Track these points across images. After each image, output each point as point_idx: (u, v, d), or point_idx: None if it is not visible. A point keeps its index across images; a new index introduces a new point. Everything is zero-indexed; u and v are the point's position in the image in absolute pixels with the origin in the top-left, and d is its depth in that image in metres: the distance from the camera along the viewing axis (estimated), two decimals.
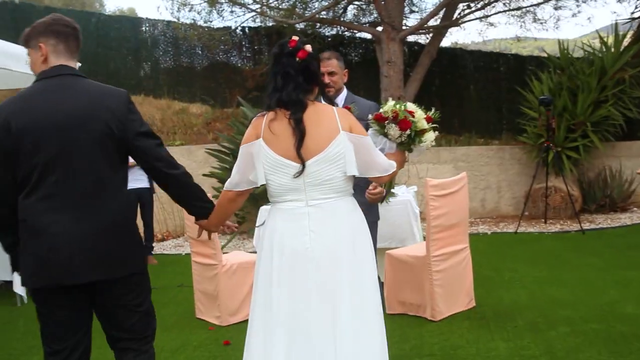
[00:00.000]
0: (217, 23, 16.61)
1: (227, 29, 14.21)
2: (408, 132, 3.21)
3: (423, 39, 14.04)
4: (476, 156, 11.63)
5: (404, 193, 6.67)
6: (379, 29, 12.30)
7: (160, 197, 10.93)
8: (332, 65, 4.16)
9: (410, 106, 3.31)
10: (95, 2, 28.86)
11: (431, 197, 5.11)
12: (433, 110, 3.40)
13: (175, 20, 13.18)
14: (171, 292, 6.96)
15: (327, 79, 4.07)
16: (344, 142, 2.78)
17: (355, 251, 2.84)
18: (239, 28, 14.44)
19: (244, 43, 14.69)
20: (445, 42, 15.69)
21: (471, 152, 11.71)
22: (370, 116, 3.30)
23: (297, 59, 2.84)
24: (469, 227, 10.47)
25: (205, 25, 13.57)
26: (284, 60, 2.87)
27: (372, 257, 2.95)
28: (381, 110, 3.28)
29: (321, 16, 12.88)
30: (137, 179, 8.88)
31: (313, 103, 2.86)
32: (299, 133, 2.75)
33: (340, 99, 4.22)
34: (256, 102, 11.26)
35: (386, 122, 3.22)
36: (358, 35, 14.37)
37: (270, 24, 13.79)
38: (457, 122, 13.21)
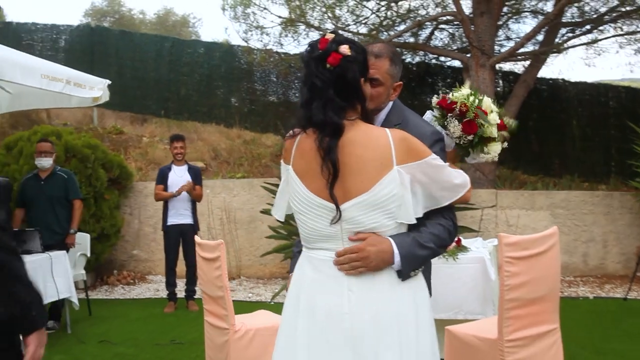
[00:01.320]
0: (291, 48, 15.67)
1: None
2: (472, 137, 2.66)
3: (519, 67, 12.56)
4: (578, 202, 9.94)
5: (478, 248, 5.26)
6: (469, 56, 10.92)
7: (216, 235, 9.97)
8: (377, 69, 2.53)
9: (487, 103, 2.71)
10: (190, 32, 28.90)
11: (506, 260, 3.70)
12: (512, 120, 2.83)
13: (245, 42, 12.29)
14: (200, 348, 5.81)
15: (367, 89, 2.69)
16: (396, 181, 2.17)
17: (414, 324, 2.24)
18: None
19: None
20: (545, 72, 14.01)
21: (572, 197, 10.04)
22: (434, 99, 2.73)
23: (328, 65, 2.18)
24: (566, 288, 8.94)
25: (281, 51, 12.66)
26: (311, 67, 2.22)
27: (434, 335, 2.34)
28: (449, 96, 2.71)
29: (404, 40, 11.64)
30: (180, 214, 7.89)
31: (356, 124, 2.22)
32: (329, 168, 2.16)
33: (380, 118, 2.67)
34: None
35: (449, 114, 2.67)
36: (447, 63, 13.05)
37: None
38: (556, 163, 11.71)
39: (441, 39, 12.81)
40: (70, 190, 7.22)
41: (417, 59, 13.03)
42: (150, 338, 6.54)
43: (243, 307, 4.96)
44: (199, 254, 4.79)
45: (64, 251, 6.81)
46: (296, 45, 13.33)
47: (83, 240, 7.77)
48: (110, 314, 7.76)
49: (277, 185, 9.26)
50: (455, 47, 12.69)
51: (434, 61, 13.09)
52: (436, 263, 4.92)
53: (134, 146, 13.33)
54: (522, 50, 11.08)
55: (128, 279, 9.87)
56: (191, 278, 7.95)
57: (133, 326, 7.13)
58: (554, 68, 46.95)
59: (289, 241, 8.28)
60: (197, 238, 4.96)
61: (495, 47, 11.41)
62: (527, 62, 11.68)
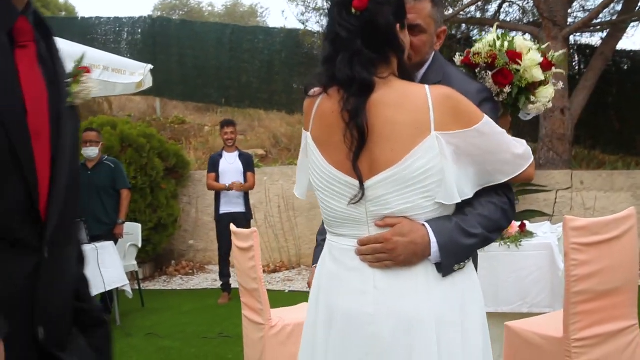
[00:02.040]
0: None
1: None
2: (508, 88, 2.13)
3: (596, 40, 11.68)
4: None
5: (546, 233, 4.70)
6: (540, 29, 10.18)
7: (274, 223, 9.65)
8: (418, 12, 2.08)
9: (520, 42, 2.18)
10: (258, 22, 28.82)
11: (573, 247, 3.17)
12: (557, 54, 2.27)
13: (303, 25, 11.90)
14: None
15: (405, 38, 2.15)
16: (434, 150, 1.75)
17: (459, 328, 1.82)
18: None
19: None
20: (625, 44, 13.02)
21: None
22: (457, 57, 2.28)
23: (353, 10, 1.79)
24: None
25: None
26: (334, 15, 1.84)
27: (486, 340, 1.93)
28: (473, 49, 2.22)
29: (470, 14, 10.99)
30: (232, 202, 7.60)
31: (389, 81, 1.81)
32: (356, 135, 1.77)
33: (418, 75, 2.21)
34: None
35: (477, 69, 2.17)
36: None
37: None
38: (638, 140, 10.67)
39: (510, 13, 12.06)
40: (118, 180, 7.00)
41: (484, 34, 12.30)
42: (199, 331, 6.28)
43: (301, 297, 4.62)
44: (234, 243, 4.44)
45: (112, 242, 6.63)
46: None
47: (134, 231, 7.58)
48: (163, 305, 7.57)
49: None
50: (526, 22, 11.92)
51: None
52: (497, 250, 4.43)
53: (195, 135, 13.21)
54: (598, 20, 10.25)
55: (187, 270, 9.70)
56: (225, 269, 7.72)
57: (184, 318, 6.89)
58: (636, 39, 44.34)
59: None
60: (232, 226, 4.61)
61: (570, 19, 10.62)
62: (605, 33, 10.82)
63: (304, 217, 9.77)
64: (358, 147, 1.76)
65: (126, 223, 7.47)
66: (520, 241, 4.35)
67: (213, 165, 7.68)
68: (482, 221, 1.86)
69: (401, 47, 1.85)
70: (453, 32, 11.17)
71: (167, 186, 9.43)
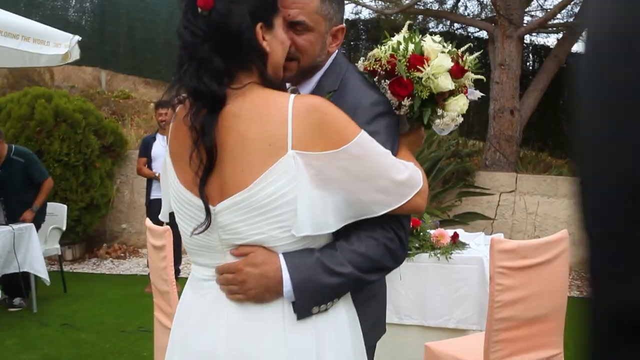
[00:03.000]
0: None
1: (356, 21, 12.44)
2: (408, 100, 1.81)
3: (552, 41, 11.60)
4: None
5: (479, 245, 4.50)
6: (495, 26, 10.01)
7: None
8: (302, 7, 1.75)
9: (429, 45, 1.84)
10: None
11: (499, 271, 2.95)
12: (472, 57, 1.93)
13: None
14: None
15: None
16: (290, 172, 1.49)
17: None
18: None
19: None
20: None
21: None
22: (360, 63, 1.93)
23: (199, 9, 1.52)
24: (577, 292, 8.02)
25: None
26: (182, 14, 1.58)
27: None
28: (373, 52, 1.91)
29: (428, 5, 10.76)
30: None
31: (247, 91, 1.56)
32: (204, 156, 1.53)
33: (312, 83, 1.88)
34: None
35: (375, 78, 1.87)
36: (476, 34, 12.12)
37: (369, 16, 11.89)
38: None
39: (469, 7, 11.88)
40: (34, 174, 6.50)
41: (441, 27, 12.11)
42: (118, 323, 5.94)
43: None
44: (148, 239, 4.12)
45: (32, 224, 6.23)
46: None
47: (59, 212, 7.17)
48: (85, 291, 7.19)
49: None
50: (483, 17, 11.76)
51: (459, 31, 12.17)
52: (426, 262, 4.20)
53: (139, 112, 12.72)
54: (555, 21, 10.14)
55: (119, 253, 9.30)
56: (178, 256, 7.32)
57: (104, 308, 6.54)
58: None
59: None
60: (147, 221, 4.28)
61: (527, 17, 10.49)
62: (560, 35, 10.73)
63: None
64: (205, 170, 1.53)
65: (51, 203, 7.08)
66: (451, 253, 4.14)
67: (145, 149, 7.27)
68: (355, 259, 1.61)
69: (260, 52, 1.59)
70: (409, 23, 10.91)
71: (102, 165, 9.03)
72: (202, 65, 1.51)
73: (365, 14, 12.37)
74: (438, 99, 1.82)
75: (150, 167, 7.20)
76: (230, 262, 1.58)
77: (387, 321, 4.52)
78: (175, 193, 1.65)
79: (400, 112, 1.82)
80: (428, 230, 4.40)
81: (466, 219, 8.11)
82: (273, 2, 1.64)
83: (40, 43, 5.33)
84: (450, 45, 1.89)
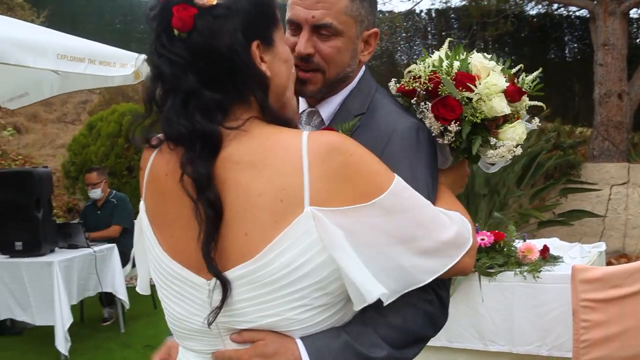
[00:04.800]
0: (397, 4, 14.46)
1: (410, 12, 11.98)
2: (456, 125, 1.46)
3: None
4: None
5: (575, 258, 3.97)
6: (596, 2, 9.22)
7: None
8: (327, 6, 1.46)
9: (479, 61, 1.52)
10: None
11: (584, 305, 2.50)
12: (530, 76, 1.60)
13: None
14: None
15: (305, 47, 1.48)
16: (310, 236, 1.16)
17: None
18: (424, 11, 12.15)
19: (429, 29, 12.35)
20: None
21: None
22: (392, 84, 1.60)
23: (175, 31, 1.21)
24: None
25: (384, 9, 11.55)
26: (153, 37, 1.26)
27: None
28: (409, 69, 1.58)
29: None
30: None
31: (248, 129, 1.23)
32: (208, 214, 1.18)
33: (334, 104, 1.57)
34: None
35: (413, 99, 1.52)
36: (575, 13, 11.27)
37: (460, 3, 11.33)
38: None
39: None
40: (114, 216, 6.83)
41: (539, 8, 11.35)
42: None
43: None
44: None
45: (113, 244, 6.26)
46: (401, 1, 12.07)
47: None
48: None
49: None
50: None
51: (559, 11, 11.36)
52: (512, 281, 3.75)
53: None
54: None
55: None
56: None
57: None
58: None
59: None
60: None
61: None
62: None
63: None
64: (209, 234, 1.18)
65: None
66: (540, 270, 3.66)
67: None
68: (390, 334, 1.30)
69: (259, 77, 1.25)
70: (503, 6, 10.27)
71: None
72: (189, 99, 1.21)
73: (455, 1, 11.82)
74: (490, 126, 1.47)
75: None
76: (232, 350, 1.26)
77: (470, 347, 4.11)
78: (157, 264, 1.32)
79: (443, 141, 1.47)
80: (514, 244, 3.93)
81: (571, 218, 7.44)
82: (270, 12, 1.31)
83: (107, 65, 5.28)
84: (503, 64, 1.53)
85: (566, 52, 11.63)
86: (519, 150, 1.54)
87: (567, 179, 7.85)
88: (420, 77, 1.53)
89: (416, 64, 1.57)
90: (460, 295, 3.79)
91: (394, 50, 12.58)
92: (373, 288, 1.18)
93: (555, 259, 3.86)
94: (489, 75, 1.49)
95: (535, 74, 1.62)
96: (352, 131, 1.47)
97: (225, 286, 1.19)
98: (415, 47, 12.59)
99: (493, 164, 1.62)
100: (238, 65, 1.22)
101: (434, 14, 12.35)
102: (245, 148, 1.21)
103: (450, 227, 1.28)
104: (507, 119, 1.53)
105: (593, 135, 8.90)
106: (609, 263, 7.54)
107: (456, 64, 1.53)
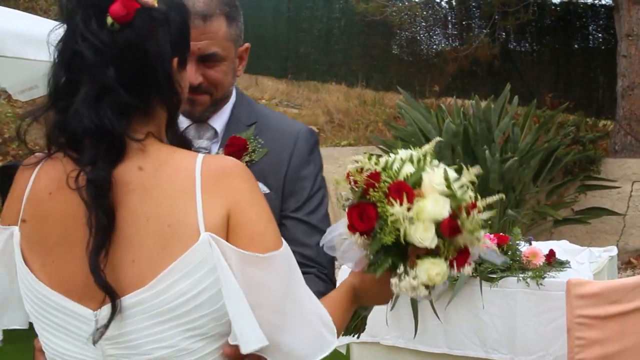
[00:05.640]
0: None
1: (429, 1, 11.76)
2: (362, 239, 1.30)
3: None
4: None
5: (582, 264, 3.79)
6: None
7: None
8: (212, 37, 1.62)
9: (433, 180, 1.30)
10: None
11: (579, 322, 2.34)
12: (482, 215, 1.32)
13: None
14: None
15: (195, 77, 1.61)
16: (206, 263, 1.11)
17: None
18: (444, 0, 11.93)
19: (449, 18, 12.10)
20: None
21: None
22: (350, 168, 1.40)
23: (109, 20, 1.12)
24: None
25: None
26: (76, 22, 1.14)
27: None
28: (360, 158, 1.40)
29: None
30: None
31: (144, 147, 1.16)
32: (102, 223, 1.09)
33: (224, 115, 1.74)
34: (461, 92, 8.89)
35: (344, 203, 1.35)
36: (600, 1, 10.97)
37: None
38: None
39: None
40: None
41: None
42: None
43: None
44: None
45: None
46: None
47: None
48: None
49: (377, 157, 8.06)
50: None
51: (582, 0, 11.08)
52: (514, 287, 3.61)
53: None
54: None
55: None
56: None
57: None
58: None
59: None
60: None
61: None
62: None
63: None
64: (100, 243, 1.10)
65: None
66: (544, 277, 3.49)
67: None
68: None
69: (176, 96, 1.23)
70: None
71: None
72: (103, 95, 1.12)
73: None
74: (411, 253, 1.28)
75: None
76: None
77: (471, 355, 3.97)
78: (33, 296, 1.20)
79: (367, 257, 1.34)
80: (519, 248, 3.78)
81: (590, 216, 7.22)
82: (189, 34, 1.30)
83: None
84: (472, 191, 1.32)
85: (590, 42, 11.29)
86: (424, 293, 1.31)
87: (587, 175, 7.61)
88: (364, 170, 1.36)
89: (389, 155, 1.38)
90: (461, 300, 3.66)
91: (413, 41, 12.34)
92: (253, 338, 1.12)
93: (562, 265, 3.70)
94: (431, 198, 1.27)
95: (486, 214, 1.36)
96: (254, 137, 1.66)
97: (115, 304, 1.10)
98: (435, 37, 12.34)
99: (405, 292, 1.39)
100: (159, 76, 1.17)
101: (454, 3, 12.12)
102: (136, 165, 1.15)
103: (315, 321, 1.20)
104: (433, 253, 1.29)
105: (615, 129, 8.64)
106: (628, 262, 7.32)
107: (408, 170, 1.33)
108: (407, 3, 11.48)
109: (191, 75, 1.53)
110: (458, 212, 1.26)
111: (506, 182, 6.50)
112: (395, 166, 1.32)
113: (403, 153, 1.38)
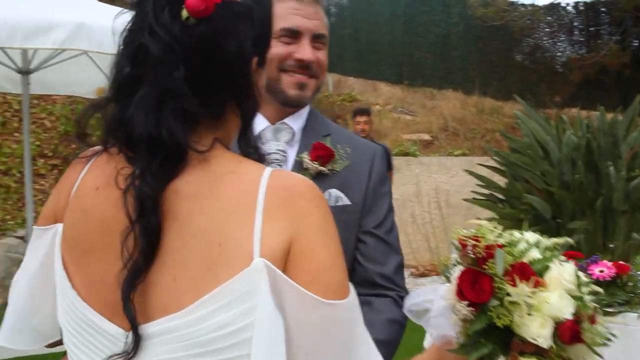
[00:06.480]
0: None
1: (554, 6, 11.18)
2: (466, 310, 1.09)
3: None
4: None
5: None
6: None
7: (423, 222, 8.69)
8: (321, 19, 1.60)
9: (562, 274, 1.09)
10: None
11: None
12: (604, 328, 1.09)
13: None
14: None
15: (312, 54, 1.57)
16: (255, 294, 0.90)
17: None
18: (570, 4, 11.29)
19: (575, 23, 11.45)
20: None
21: None
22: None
23: (184, 13, 0.95)
24: None
25: (526, 3, 10.86)
26: (145, 13, 0.98)
27: None
28: (481, 223, 1.20)
29: None
30: None
31: (208, 155, 0.98)
32: (141, 245, 0.92)
33: (298, 121, 1.65)
34: (586, 102, 8.33)
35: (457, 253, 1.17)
36: None
37: None
38: None
39: None
40: None
41: None
42: None
43: None
44: None
45: None
46: None
47: None
48: None
49: (492, 168, 7.42)
50: None
51: None
52: (635, 324, 3.24)
53: None
54: None
55: None
56: None
57: None
58: None
59: None
60: None
61: None
62: None
63: (461, 216, 8.70)
64: (136, 270, 0.93)
65: None
66: None
67: None
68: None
69: (253, 100, 1.06)
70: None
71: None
72: (166, 96, 0.96)
73: None
74: (515, 346, 1.07)
75: None
76: None
77: None
78: (68, 307, 1.04)
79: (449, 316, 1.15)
80: None
81: None
82: (271, 32, 1.12)
83: None
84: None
85: None
86: None
87: None
88: (483, 237, 1.16)
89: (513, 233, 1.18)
90: None
91: (535, 47, 11.77)
92: None
93: None
94: (557, 294, 1.07)
95: (608, 331, 1.14)
96: (341, 146, 1.59)
97: (138, 340, 0.94)
98: (559, 44, 11.71)
99: None
100: (236, 78, 1.02)
101: (581, 7, 11.44)
102: (194, 174, 0.97)
103: None
104: (539, 353, 1.09)
105: None
106: None
107: (535, 255, 1.14)
108: (529, 8, 10.94)
109: (307, 51, 1.55)
110: (582, 318, 1.06)
111: (632, 202, 5.94)
112: (521, 246, 1.13)
113: (530, 236, 1.19)
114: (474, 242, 1.13)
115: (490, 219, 6.76)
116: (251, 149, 1.05)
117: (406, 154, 9.34)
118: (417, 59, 13.21)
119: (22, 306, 1.17)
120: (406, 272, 8.97)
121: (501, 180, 6.90)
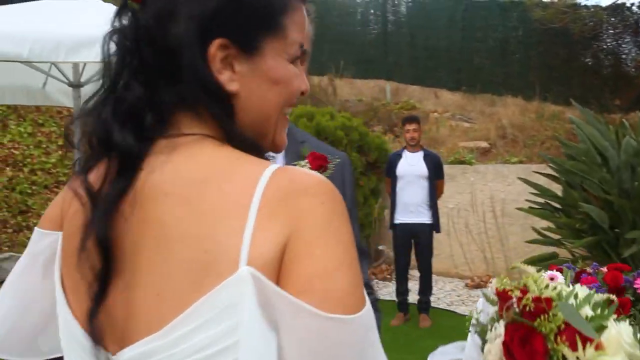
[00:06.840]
0: None
1: (617, 6, 10.74)
2: None
3: None
4: None
5: None
6: None
7: (478, 232, 8.46)
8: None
9: (620, 334, 0.97)
10: None
11: None
12: None
13: None
14: None
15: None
16: (241, 308, 0.75)
17: None
18: (635, 4, 10.83)
19: None
20: None
21: None
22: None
23: (127, 1, 0.89)
24: None
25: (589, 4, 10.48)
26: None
27: None
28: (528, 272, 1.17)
29: None
30: (411, 211, 6.63)
31: (192, 145, 0.87)
32: (95, 259, 0.83)
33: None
34: None
35: (495, 305, 1.13)
36: None
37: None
38: None
39: None
40: None
41: None
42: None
43: None
44: None
45: None
46: None
47: None
48: None
49: (548, 176, 7.12)
50: None
51: None
52: None
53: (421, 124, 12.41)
54: None
55: (385, 274, 8.96)
56: (425, 286, 6.75)
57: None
58: None
59: (555, 249, 6.48)
60: None
61: None
62: None
63: (518, 225, 8.43)
64: (99, 288, 0.85)
65: None
66: None
67: (389, 168, 6.81)
68: None
69: (213, 89, 0.88)
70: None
71: (365, 183, 8.79)
72: (112, 93, 0.90)
73: None
74: None
75: (394, 188, 6.67)
76: None
77: None
78: (63, 324, 0.96)
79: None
80: None
81: None
82: (263, 10, 0.92)
83: None
84: None
85: None
86: None
87: None
88: (528, 289, 1.05)
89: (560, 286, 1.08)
90: None
91: (598, 50, 11.34)
92: None
93: None
94: (618, 358, 0.97)
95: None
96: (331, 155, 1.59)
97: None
98: (624, 46, 11.25)
99: None
100: (183, 64, 0.87)
101: None
102: (183, 175, 0.85)
103: None
104: None
105: None
106: None
107: (588, 312, 1.03)
108: (591, 9, 10.54)
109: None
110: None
111: None
112: (571, 302, 1.03)
113: (581, 290, 1.07)
114: (518, 295, 1.02)
115: (546, 229, 6.52)
116: (246, 146, 0.91)
117: (462, 162, 9.11)
118: (475, 65, 12.93)
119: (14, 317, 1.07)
120: (461, 284, 8.72)
121: (558, 189, 6.65)
